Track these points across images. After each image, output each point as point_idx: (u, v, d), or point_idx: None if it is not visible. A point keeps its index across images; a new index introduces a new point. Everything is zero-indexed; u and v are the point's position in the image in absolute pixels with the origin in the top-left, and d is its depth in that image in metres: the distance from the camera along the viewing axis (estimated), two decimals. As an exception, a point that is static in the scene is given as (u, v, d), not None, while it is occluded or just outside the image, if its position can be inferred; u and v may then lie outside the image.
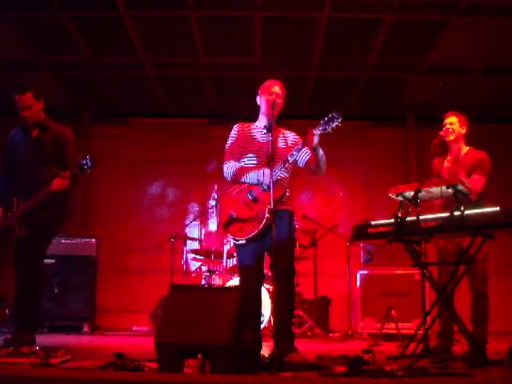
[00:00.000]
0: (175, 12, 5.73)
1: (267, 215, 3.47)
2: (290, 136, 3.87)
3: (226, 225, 3.67)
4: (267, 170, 3.47)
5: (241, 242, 3.62)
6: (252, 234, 3.55)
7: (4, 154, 4.45)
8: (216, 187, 7.48)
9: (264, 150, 3.64)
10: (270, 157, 3.42)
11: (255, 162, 3.70)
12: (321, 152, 3.61)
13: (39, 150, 4.37)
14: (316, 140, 3.51)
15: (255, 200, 3.60)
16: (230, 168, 3.74)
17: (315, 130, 3.46)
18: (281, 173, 3.62)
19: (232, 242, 6.57)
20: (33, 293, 4.25)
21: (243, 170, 3.70)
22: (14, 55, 6.63)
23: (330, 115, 3.41)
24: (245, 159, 3.74)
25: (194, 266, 7.54)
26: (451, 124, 4.11)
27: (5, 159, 4.45)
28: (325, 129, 3.42)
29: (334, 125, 3.40)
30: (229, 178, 3.77)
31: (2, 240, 4.26)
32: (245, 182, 3.69)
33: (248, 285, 3.63)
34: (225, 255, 6.31)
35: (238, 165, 3.74)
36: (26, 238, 4.17)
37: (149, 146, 8.15)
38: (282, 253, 3.48)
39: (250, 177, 3.66)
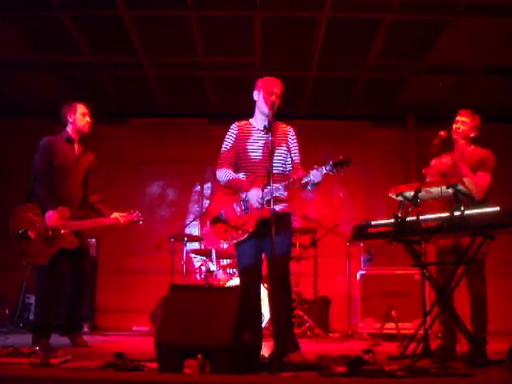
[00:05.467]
0: (175, 12, 5.73)
1: (251, 230, 3.51)
2: (285, 132, 3.81)
3: (213, 222, 3.69)
4: (255, 192, 3.49)
5: (222, 242, 3.64)
6: (233, 242, 3.59)
7: (43, 157, 4.52)
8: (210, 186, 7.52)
9: (263, 151, 3.63)
10: (270, 158, 3.41)
11: (253, 166, 3.68)
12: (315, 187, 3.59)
13: (81, 167, 4.67)
14: (319, 179, 3.43)
15: (246, 210, 3.60)
16: (223, 176, 3.70)
17: (321, 168, 3.39)
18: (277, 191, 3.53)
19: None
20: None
21: (235, 184, 3.65)
22: (14, 55, 6.63)
23: (341, 159, 3.34)
24: (242, 163, 3.72)
25: (194, 266, 7.54)
26: (463, 123, 4.05)
27: (45, 164, 4.51)
28: (331, 170, 3.37)
29: (340, 169, 3.35)
30: (222, 183, 3.74)
31: (53, 244, 4.43)
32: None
33: (247, 284, 3.63)
34: (214, 254, 6.31)
35: (231, 175, 3.69)
36: (82, 248, 4.58)
37: (149, 146, 8.15)
38: (276, 255, 3.47)
39: (240, 191, 3.62)
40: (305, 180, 3.47)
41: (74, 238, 4.47)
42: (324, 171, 3.39)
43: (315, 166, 3.42)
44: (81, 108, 4.67)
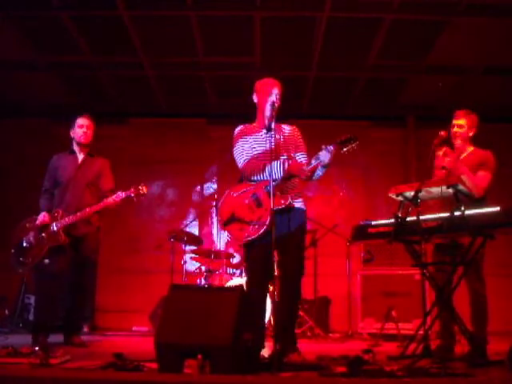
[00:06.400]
0: (175, 12, 5.73)
1: (267, 222, 3.46)
2: (288, 131, 3.83)
3: (226, 223, 3.67)
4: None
5: (239, 242, 3.62)
6: (251, 238, 3.55)
7: (48, 176, 4.90)
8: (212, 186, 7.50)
9: (268, 151, 3.63)
10: (272, 158, 3.42)
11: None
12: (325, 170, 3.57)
13: (84, 174, 4.83)
14: (328, 158, 3.41)
15: (259, 205, 3.58)
16: (251, 167, 3.68)
17: (329, 147, 3.39)
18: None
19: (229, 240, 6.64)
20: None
21: (260, 165, 3.65)
22: (14, 55, 6.63)
23: (347, 137, 3.37)
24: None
25: (193, 266, 7.53)
26: (460, 127, 4.06)
27: (48, 181, 4.88)
28: (340, 149, 3.38)
29: (349, 147, 3.37)
30: (248, 175, 3.71)
31: (43, 245, 4.62)
32: (255, 181, 3.66)
33: (254, 283, 3.62)
34: (211, 254, 6.31)
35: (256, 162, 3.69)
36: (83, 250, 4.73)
37: (149, 146, 8.15)
38: (289, 252, 3.47)
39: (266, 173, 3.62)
40: (315, 162, 3.44)
41: (62, 235, 4.58)
42: (332, 149, 3.38)
43: (322, 147, 3.41)
44: (79, 121, 4.87)
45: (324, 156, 3.40)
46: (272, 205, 3.27)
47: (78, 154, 4.89)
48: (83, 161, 4.88)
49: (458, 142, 4.06)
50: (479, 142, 4.15)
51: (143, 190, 4.63)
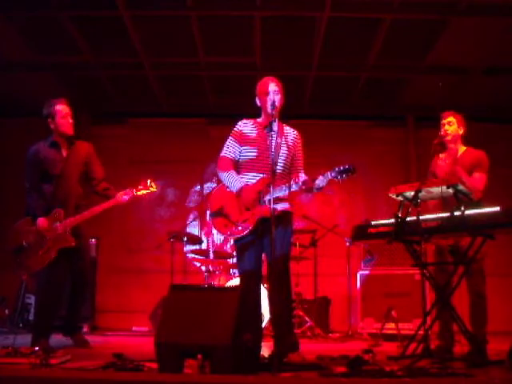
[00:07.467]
0: (175, 12, 5.73)
1: (251, 227, 3.55)
2: (290, 135, 3.85)
3: (213, 215, 3.73)
4: (247, 194, 3.54)
5: (221, 236, 3.69)
6: (232, 236, 3.65)
7: (29, 170, 4.52)
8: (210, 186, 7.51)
9: (266, 150, 3.64)
10: (272, 159, 3.44)
11: (255, 165, 3.71)
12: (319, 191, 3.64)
13: (74, 166, 4.55)
14: (323, 184, 3.51)
15: (248, 208, 3.61)
16: (227, 178, 3.71)
17: (326, 174, 3.46)
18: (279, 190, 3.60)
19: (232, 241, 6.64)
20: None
21: (232, 188, 3.67)
22: (14, 55, 6.62)
23: (346, 167, 3.43)
24: (244, 161, 3.75)
25: (194, 266, 7.54)
26: (449, 124, 4.10)
27: (32, 175, 4.51)
28: (336, 177, 3.44)
29: (345, 176, 3.43)
30: (217, 168, 3.78)
31: (49, 247, 4.39)
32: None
33: (246, 284, 3.64)
34: (211, 254, 6.31)
35: (236, 177, 3.70)
36: (82, 249, 4.52)
37: (149, 145, 8.14)
38: (276, 254, 3.48)
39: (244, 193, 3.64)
40: (309, 185, 3.53)
41: (70, 237, 4.41)
42: (329, 177, 3.47)
43: (321, 172, 3.50)
44: (61, 110, 4.50)
45: (320, 181, 3.50)
46: (272, 211, 3.28)
47: (61, 147, 4.54)
48: (68, 153, 4.54)
49: (449, 139, 4.07)
50: (478, 142, 4.15)
51: (152, 186, 4.52)
